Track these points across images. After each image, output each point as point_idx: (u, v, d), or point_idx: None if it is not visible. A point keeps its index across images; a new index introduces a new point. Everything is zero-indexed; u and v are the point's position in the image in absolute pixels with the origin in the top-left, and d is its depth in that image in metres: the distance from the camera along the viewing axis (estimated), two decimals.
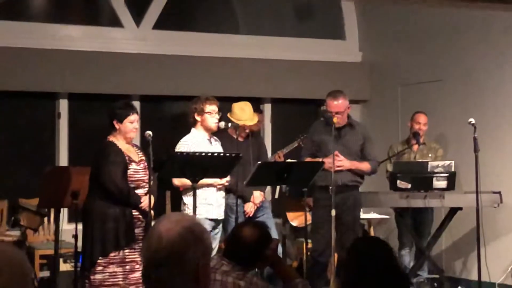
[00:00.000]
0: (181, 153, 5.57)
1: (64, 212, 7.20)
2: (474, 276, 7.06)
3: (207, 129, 5.96)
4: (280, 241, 7.58)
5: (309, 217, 6.18)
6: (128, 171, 5.48)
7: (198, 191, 5.59)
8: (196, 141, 5.90)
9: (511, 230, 7.36)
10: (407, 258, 7.27)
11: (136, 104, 7.37)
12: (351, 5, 9.05)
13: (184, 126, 6.23)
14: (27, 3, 8.19)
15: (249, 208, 6.49)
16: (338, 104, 6.12)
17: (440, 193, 6.78)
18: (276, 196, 7.81)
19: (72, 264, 6.54)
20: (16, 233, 7.12)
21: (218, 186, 5.93)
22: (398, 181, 6.81)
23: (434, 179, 6.77)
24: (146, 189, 5.49)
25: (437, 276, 7.28)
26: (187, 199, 5.84)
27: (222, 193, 6.03)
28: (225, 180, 5.93)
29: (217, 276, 3.47)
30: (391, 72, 8.79)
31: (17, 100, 7.96)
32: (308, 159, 6.22)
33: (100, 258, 5.38)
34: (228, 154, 5.60)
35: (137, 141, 6.80)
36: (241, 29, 8.91)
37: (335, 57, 8.95)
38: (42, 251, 7.04)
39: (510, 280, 7.24)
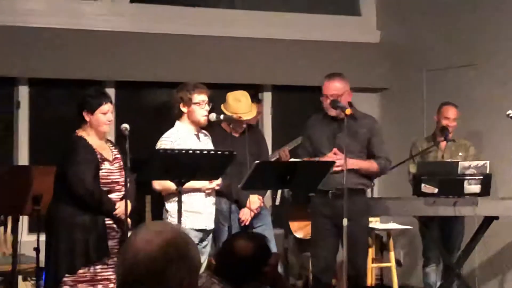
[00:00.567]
0: (164, 150, 5.58)
1: (24, 221, 7.19)
2: None
3: (194, 122, 5.97)
4: (282, 256, 7.61)
5: None
6: (101, 171, 5.49)
7: (184, 197, 5.60)
8: (181, 137, 5.91)
9: None
10: (433, 276, 7.28)
11: (111, 91, 7.38)
12: None
13: (168, 118, 6.24)
14: None
15: (245, 215, 6.50)
16: (334, 85, 6.14)
17: (473, 200, 6.79)
18: (277, 202, 7.83)
19: (34, 282, 6.55)
20: None
21: (207, 191, 5.94)
22: (423, 185, 6.82)
23: (466, 182, 6.78)
24: (122, 193, 5.50)
25: None
26: (170, 206, 5.86)
27: (212, 199, 6.04)
28: (215, 184, 5.94)
29: None
30: (415, 54, 8.80)
31: None
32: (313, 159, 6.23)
33: (66, 275, 5.38)
34: (220, 152, 5.60)
35: (111, 136, 6.80)
36: (237, 2, 8.92)
37: (348, 37, 8.97)
38: None
39: None
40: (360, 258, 6.20)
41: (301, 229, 7.80)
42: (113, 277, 5.37)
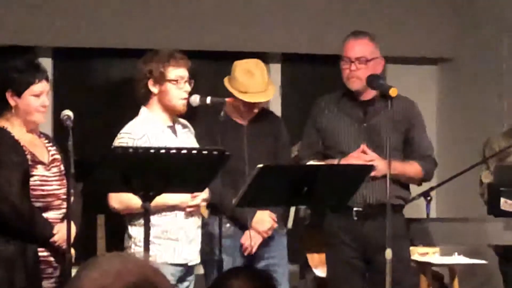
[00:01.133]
0: (124, 149, 5.58)
1: None
2: None
3: (168, 108, 5.98)
4: None
5: None
6: (31, 179, 5.51)
7: (154, 218, 5.60)
8: (149, 131, 5.91)
9: None
10: None
11: (47, 63, 7.39)
12: None
13: (130, 102, 6.24)
14: None
15: (250, 240, 6.49)
16: (360, 46, 6.20)
17: None
18: (290, 225, 7.84)
19: None
20: None
21: (189, 209, 5.94)
22: (503, 200, 6.83)
23: None
24: (63, 210, 5.53)
25: None
26: (135, 231, 5.86)
27: (197, 221, 6.05)
28: (200, 199, 5.95)
29: None
30: (491, 11, 8.81)
31: None
32: (311, 163, 6.23)
33: None
34: (206, 152, 5.59)
35: (47, 128, 6.81)
36: None
37: None
38: None
39: None
40: None
41: (323, 264, 7.81)
42: None
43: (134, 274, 2.22)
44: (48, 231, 5.50)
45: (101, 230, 7.64)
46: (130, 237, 5.96)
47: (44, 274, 5.49)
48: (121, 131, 5.98)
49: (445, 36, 9.08)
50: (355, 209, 6.11)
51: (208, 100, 6.15)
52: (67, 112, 5.48)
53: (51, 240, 5.50)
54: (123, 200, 5.81)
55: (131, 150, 5.50)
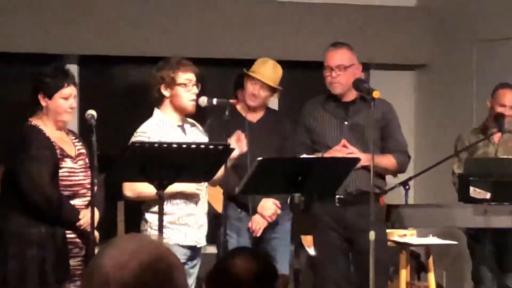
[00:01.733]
0: (141, 144, 5.58)
1: None
2: None
3: (179, 109, 5.96)
4: (292, 278, 7.60)
5: None
6: (60, 171, 5.51)
7: (168, 206, 5.63)
8: (160, 130, 5.89)
9: None
10: None
11: (73, 69, 7.39)
12: None
13: (145, 104, 6.23)
14: None
15: (256, 224, 6.50)
16: (339, 55, 6.21)
17: None
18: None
19: None
20: None
21: (198, 191, 5.93)
22: (472, 189, 6.82)
23: None
24: (87, 198, 5.53)
25: None
26: (150, 216, 5.85)
27: (205, 208, 6.05)
28: (205, 186, 5.97)
29: None
30: (462, 22, 8.80)
31: None
32: (305, 156, 6.24)
33: None
34: (212, 146, 5.61)
35: (74, 126, 6.81)
36: None
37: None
38: None
39: None
40: (381, 282, 6.21)
41: None
42: None
43: (149, 251, 2.22)
44: (74, 216, 5.50)
45: (121, 215, 7.64)
46: (146, 221, 5.94)
47: (72, 254, 5.50)
48: (137, 130, 5.96)
49: (421, 45, 9.07)
50: (337, 196, 6.13)
51: (215, 101, 6.13)
52: (91, 112, 5.49)
53: (78, 224, 5.51)
54: (135, 189, 5.79)
55: (147, 145, 5.50)
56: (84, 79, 7.97)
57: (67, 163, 5.56)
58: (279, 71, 6.70)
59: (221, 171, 5.75)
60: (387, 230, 6.59)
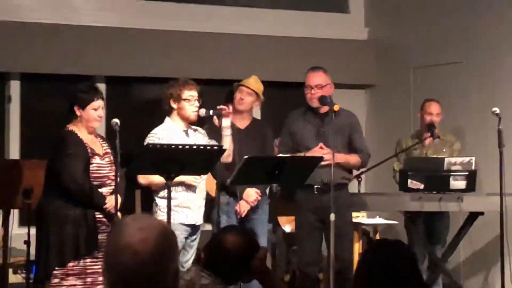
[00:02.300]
0: (154, 145, 5.58)
1: (15, 214, 7.18)
2: None
3: (184, 118, 5.96)
4: (270, 250, 7.60)
5: None
6: (91, 166, 5.49)
7: (174, 192, 5.60)
8: (169, 133, 5.89)
9: None
10: None
11: (101, 86, 7.37)
12: None
13: (158, 114, 6.23)
14: None
15: (242, 207, 6.50)
16: (317, 77, 6.23)
17: (458, 195, 6.80)
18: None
19: (24, 275, 6.53)
20: None
21: (195, 183, 5.92)
22: (409, 181, 6.83)
23: (451, 178, 6.79)
24: (112, 187, 5.50)
25: None
26: (160, 201, 5.84)
27: (203, 194, 6.04)
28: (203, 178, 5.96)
29: None
30: (403, 52, 8.82)
31: None
32: (281, 155, 6.25)
33: (56, 268, 5.38)
34: (209, 147, 5.61)
35: (101, 131, 6.79)
36: None
37: (336, 34, 8.97)
38: None
39: None
40: (346, 252, 6.24)
41: (289, 223, 7.80)
42: None
43: (157, 225, 2.22)
44: (102, 201, 5.48)
45: (138, 200, 7.63)
46: (156, 205, 5.92)
47: (100, 230, 5.48)
48: (151, 132, 5.97)
49: (371, 69, 9.09)
50: (315, 186, 6.13)
51: (211, 112, 6.14)
52: (115, 120, 5.47)
53: (104, 207, 5.49)
54: (147, 177, 5.80)
55: (158, 146, 5.49)
56: (110, 94, 7.95)
57: (96, 160, 5.54)
58: (260, 84, 6.71)
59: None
60: None
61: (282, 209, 7.72)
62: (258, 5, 8.86)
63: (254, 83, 6.66)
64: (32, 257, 5.67)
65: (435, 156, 7.18)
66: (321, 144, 6.11)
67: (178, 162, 5.33)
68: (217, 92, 7.54)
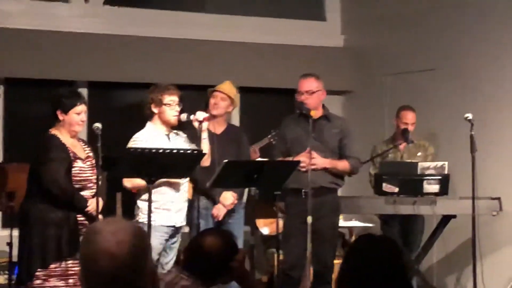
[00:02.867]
0: (135, 149, 5.56)
1: None
2: None
3: (165, 122, 5.95)
4: (248, 252, 7.59)
5: (281, 224, 6.20)
6: (73, 169, 5.46)
7: (155, 195, 5.58)
8: (151, 137, 5.87)
9: (511, 241, 7.45)
10: None
11: (83, 91, 7.33)
12: None
13: (139, 118, 6.21)
14: None
15: (218, 211, 6.47)
16: (308, 83, 6.22)
17: (432, 199, 6.83)
18: (244, 199, 7.83)
19: (6, 276, 6.49)
20: None
21: (181, 182, 5.89)
22: (384, 184, 6.85)
23: (425, 182, 6.82)
24: (94, 190, 5.48)
25: None
26: (141, 203, 5.82)
27: (184, 197, 6.01)
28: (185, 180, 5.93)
29: None
30: (378, 59, 8.84)
31: None
32: (259, 159, 6.26)
33: (39, 270, 5.36)
34: (189, 151, 5.60)
35: (83, 135, 6.77)
36: (207, 6, 8.90)
37: (313, 41, 8.99)
38: None
39: None
40: (327, 255, 6.21)
41: (267, 226, 7.79)
42: None
43: (130, 226, 2.20)
44: (84, 203, 5.46)
45: (119, 203, 7.60)
46: (138, 208, 5.91)
47: (81, 232, 5.45)
48: (133, 137, 5.94)
49: (347, 76, 9.11)
50: (303, 190, 6.08)
51: (191, 117, 6.12)
52: (97, 124, 5.46)
53: (86, 209, 5.47)
54: (131, 181, 5.76)
55: (139, 150, 5.47)
56: (92, 99, 7.92)
57: (78, 163, 5.51)
58: (234, 88, 6.66)
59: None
60: None
61: (260, 212, 7.72)
62: (237, 12, 8.86)
63: (228, 88, 6.62)
64: (15, 259, 5.63)
65: (409, 160, 7.20)
66: (309, 149, 6.07)
67: (159, 165, 5.31)
68: (197, 97, 7.52)
